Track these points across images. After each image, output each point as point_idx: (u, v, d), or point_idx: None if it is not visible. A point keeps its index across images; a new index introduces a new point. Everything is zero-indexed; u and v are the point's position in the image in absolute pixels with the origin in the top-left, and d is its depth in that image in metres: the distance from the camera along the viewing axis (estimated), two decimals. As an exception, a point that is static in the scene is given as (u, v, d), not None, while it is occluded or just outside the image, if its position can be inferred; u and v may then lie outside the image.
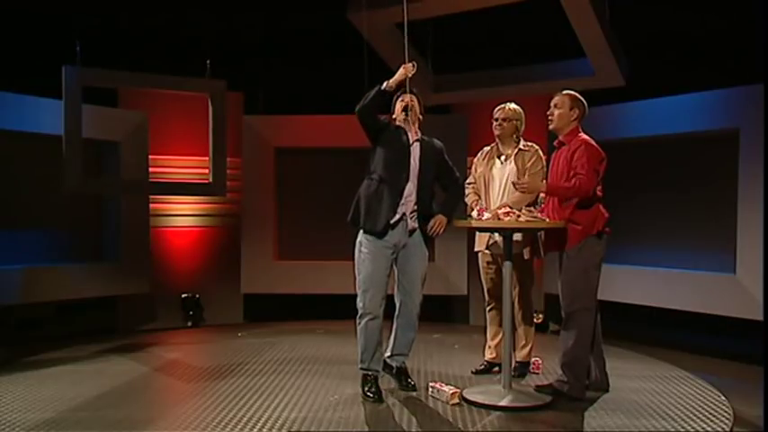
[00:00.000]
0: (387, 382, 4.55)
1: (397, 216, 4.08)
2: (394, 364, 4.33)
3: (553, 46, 6.12)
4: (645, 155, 6.17)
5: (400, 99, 4.21)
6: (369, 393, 4.11)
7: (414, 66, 4.02)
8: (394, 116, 4.25)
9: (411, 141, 4.16)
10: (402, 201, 4.08)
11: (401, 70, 4.00)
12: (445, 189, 4.34)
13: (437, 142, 4.30)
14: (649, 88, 6.01)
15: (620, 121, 6.04)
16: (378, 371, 4.17)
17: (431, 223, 4.14)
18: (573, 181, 4.05)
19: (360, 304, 4.11)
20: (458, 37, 6.48)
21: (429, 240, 4.23)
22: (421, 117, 4.26)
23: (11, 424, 3.66)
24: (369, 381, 4.15)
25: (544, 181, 4.20)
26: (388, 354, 4.33)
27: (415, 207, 4.12)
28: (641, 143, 6.10)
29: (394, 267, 4.21)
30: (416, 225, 4.14)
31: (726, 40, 5.84)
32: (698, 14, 5.88)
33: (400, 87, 4.07)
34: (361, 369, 4.17)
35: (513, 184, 4.25)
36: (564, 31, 5.38)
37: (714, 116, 5.56)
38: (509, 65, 6.45)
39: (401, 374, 4.34)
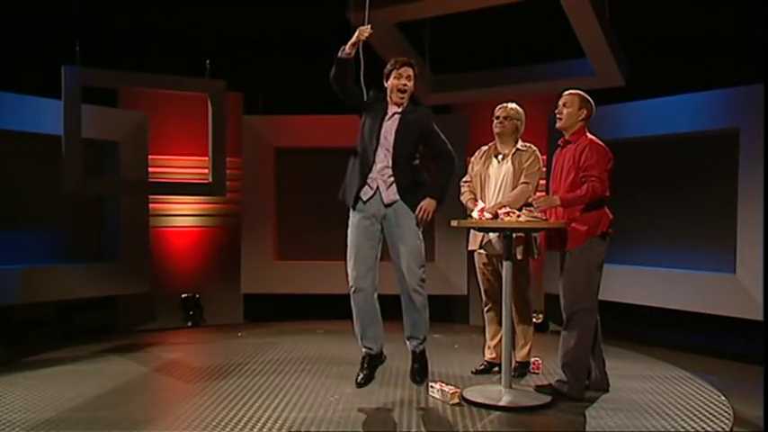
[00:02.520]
0: (392, 382, 4.56)
1: (371, 191, 3.96)
2: (409, 348, 4.15)
3: (553, 46, 6.12)
4: (645, 155, 6.17)
5: (395, 71, 4.03)
6: (357, 374, 4.05)
7: (369, 28, 3.91)
8: (386, 85, 4.09)
9: (390, 114, 4.01)
10: (373, 174, 3.96)
11: (356, 32, 3.90)
12: (435, 159, 4.10)
13: (422, 111, 4.11)
14: (649, 88, 6.01)
15: (620, 121, 6.04)
16: (371, 349, 4.06)
17: (417, 211, 3.94)
18: (585, 187, 4.04)
19: (348, 278, 4.05)
20: (458, 37, 6.48)
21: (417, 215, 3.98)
22: (409, 89, 4.03)
23: (11, 424, 3.66)
24: (362, 361, 4.08)
25: (557, 195, 4.13)
26: (406, 335, 4.18)
27: (392, 179, 3.95)
28: (641, 143, 6.10)
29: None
30: (396, 197, 3.95)
31: (726, 40, 5.85)
32: (698, 14, 5.89)
33: (357, 50, 3.92)
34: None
35: (531, 203, 4.15)
36: (564, 31, 5.38)
37: (714, 116, 5.56)
38: (509, 65, 6.44)
39: (414, 361, 4.13)
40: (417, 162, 4.04)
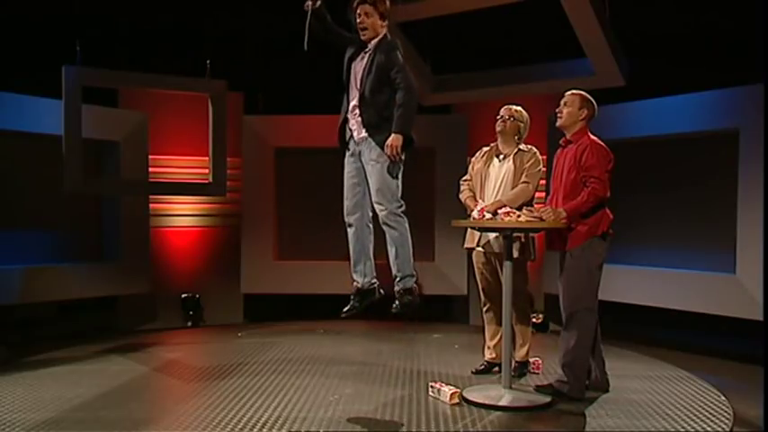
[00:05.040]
0: (392, 382, 4.57)
1: (349, 130, 4.05)
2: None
3: (553, 46, 6.12)
4: (645, 155, 6.17)
5: (354, 12, 3.99)
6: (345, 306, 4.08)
7: None
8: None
9: (362, 53, 4.03)
10: (348, 114, 4.05)
11: None
12: (395, 92, 3.94)
13: (386, 44, 3.98)
14: (649, 88, 6.01)
15: (620, 121, 6.04)
16: (358, 282, 4.10)
17: (385, 150, 3.86)
18: (586, 192, 4.05)
19: None
20: (458, 37, 6.47)
21: (387, 150, 3.87)
22: (369, 25, 3.96)
23: (11, 424, 3.66)
24: (352, 294, 4.10)
25: (561, 208, 4.10)
26: None
27: (360, 118, 3.98)
28: (641, 143, 6.10)
29: None
30: (364, 135, 3.97)
31: (726, 40, 5.84)
32: (698, 15, 5.88)
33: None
34: None
35: (539, 217, 4.08)
36: (564, 31, 5.38)
37: (714, 116, 5.56)
38: (509, 65, 6.44)
39: (395, 298, 4.01)
40: (387, 98, 3.96)
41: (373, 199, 3.99)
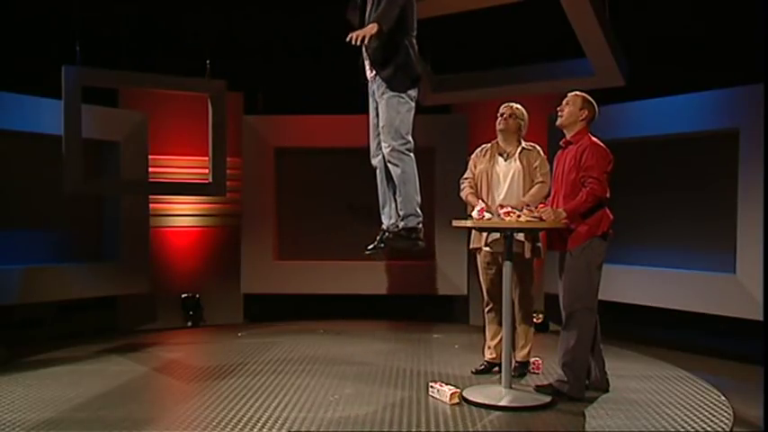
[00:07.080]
0: (392, 382, 4.56)
1: (364, 70, 4.11)
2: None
3: (553, 46, 6.12)
4: (645, 155, 6.17)
5: None
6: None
7: None
8: None
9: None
10: (364, 58, 4.09)
11: None
12: None
13: None
14: (649, 88, 6.01)
15: (620, 121, 6.04)
16: (383, 224, 4.17)
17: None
18: (585, 192, 4.07)
19: None
20: (458, 37, 6.47)
21: (392, 86, 3.96)
22: None
23: (11, 424, 3.67)
24: (378, 234, 4.15)
25: (561, 209, 4.12)
26: None
27: (369, 59, 4.07)
28: (641, 143, 6.10)
29: None
30: (372, 72, 4.06)
31: (726, 40, 5.84)
32: (698, 15, 5.89)
33: None
34: None
35: (540, 217, 4.08)
36: (564, 31, 5.38)
37: (714, 116, 5.56)
38: (509, 65, 6.44)
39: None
40: (393, 37, 3.94)
41: (382, 136, 4.02)
